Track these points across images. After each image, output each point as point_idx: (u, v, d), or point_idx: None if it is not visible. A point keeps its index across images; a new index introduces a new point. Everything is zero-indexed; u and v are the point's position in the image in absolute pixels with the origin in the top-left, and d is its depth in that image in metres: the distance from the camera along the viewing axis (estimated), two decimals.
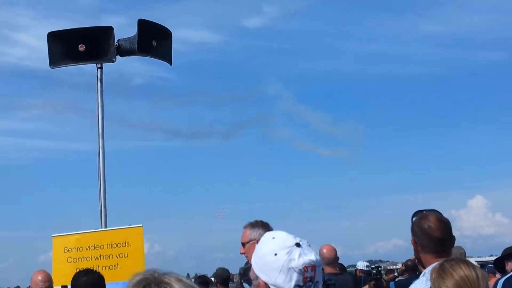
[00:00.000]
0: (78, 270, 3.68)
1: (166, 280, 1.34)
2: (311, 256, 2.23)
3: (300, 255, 2.21)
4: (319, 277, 2.25)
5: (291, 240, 2.28)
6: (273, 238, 2.33)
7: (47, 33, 6.68)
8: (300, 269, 2.19)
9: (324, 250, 6.46)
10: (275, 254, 2.23)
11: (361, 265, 10.92)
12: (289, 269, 2.19)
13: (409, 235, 3.74)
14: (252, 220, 4.44)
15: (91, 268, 3.70)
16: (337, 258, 6.77)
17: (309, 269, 2.20)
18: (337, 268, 6.78)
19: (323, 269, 2.50)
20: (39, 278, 5.12)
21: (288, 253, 2.22)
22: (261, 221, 4.37)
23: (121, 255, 6.65)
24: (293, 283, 2.18)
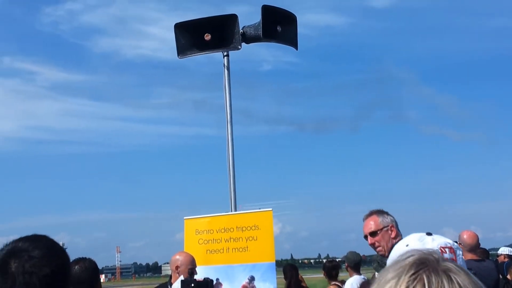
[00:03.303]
0: (75, 259, 3.65)
1: (454, 269, 1.06)
2: (445, 239, 2.10)
3: (433, 240, 2.08)
4: (461, 262, 2.02)
5: (422, 233, 2.15)
6: (407, 245, 2.16)
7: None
8: (437, 250, 1.98)
9: (465, 236, 6.13)
10: (407, 245, 2.10)
11: (505, 250, 10.28)
12: None
13: None
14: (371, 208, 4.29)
15: (82, 257, 3.67)
16: (479, 244, 6.43)
17: (447, 250, 2.01)
18: (479, 255, 6.42)
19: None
20: (189, 259, 5.30)
21: (420, 239, 2.09)
22: (382, 210, 4.21)
23: (250, 238, 6.78)
24: None
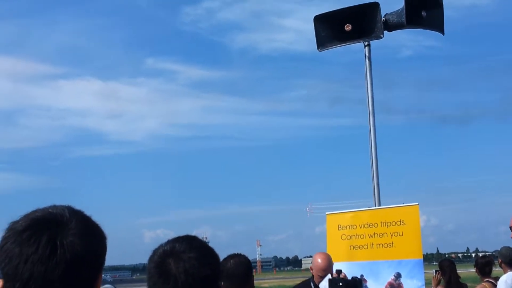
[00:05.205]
0: (229, 255, 3.72)
1: None
2: None
3: None
4: None
5: None
6: None
7: (312, 16, 6.87)
8: None
9: None
10: None
11: None
12: None
13: None
14: None
15: (237, 253, 3.71)
16: None
17: None
18: None
19: None
20: (322, 266, 5.18)
21: None
22: None
23: (396, 234, 6.57)
24: None
